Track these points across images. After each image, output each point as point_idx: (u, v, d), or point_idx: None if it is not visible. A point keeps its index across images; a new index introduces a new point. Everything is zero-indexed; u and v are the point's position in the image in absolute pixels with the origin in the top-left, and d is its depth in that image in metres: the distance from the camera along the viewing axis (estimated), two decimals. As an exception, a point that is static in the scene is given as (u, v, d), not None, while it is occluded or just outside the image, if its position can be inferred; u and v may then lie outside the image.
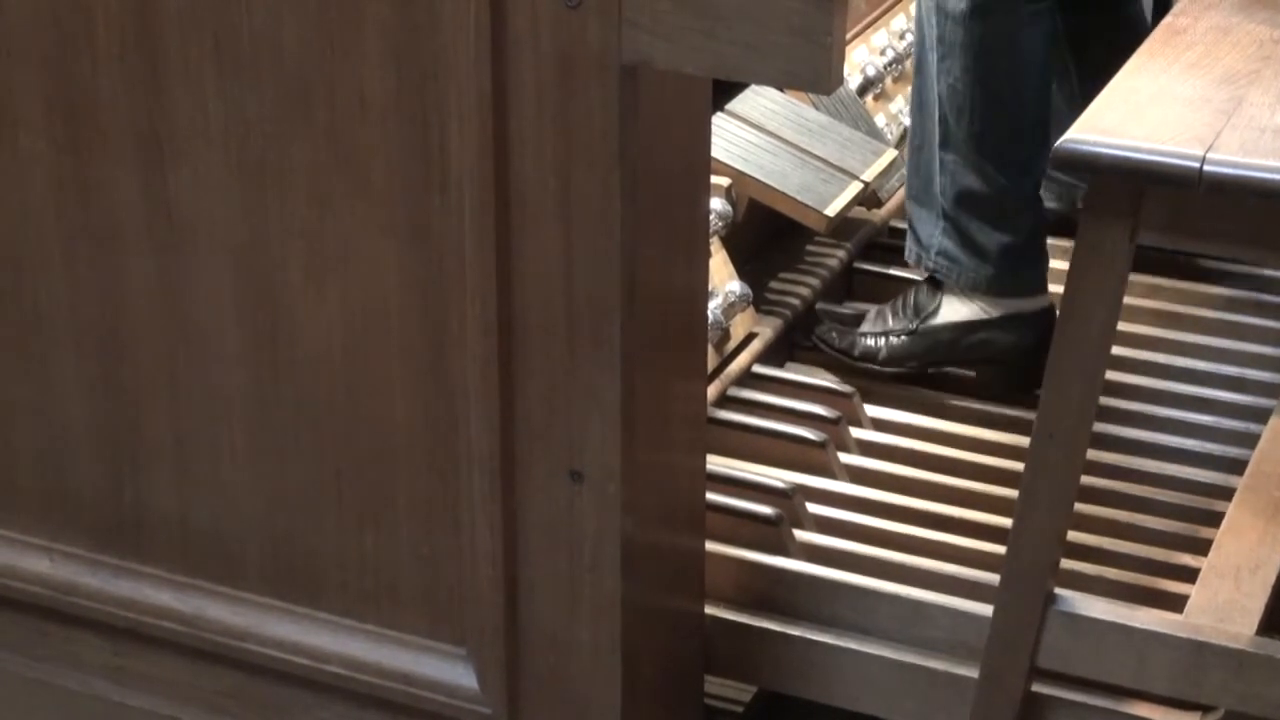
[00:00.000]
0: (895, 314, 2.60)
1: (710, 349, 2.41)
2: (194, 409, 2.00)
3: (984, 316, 2.52)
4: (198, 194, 1.90)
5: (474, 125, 1.73)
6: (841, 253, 2.78)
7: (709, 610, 2.14)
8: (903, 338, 2.57)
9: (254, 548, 2.04)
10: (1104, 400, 2.36)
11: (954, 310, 2.54)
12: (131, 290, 1.98)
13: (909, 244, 2.59)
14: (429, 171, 1.79)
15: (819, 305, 2.66)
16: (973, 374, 2.59)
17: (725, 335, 2.48)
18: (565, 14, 1.66)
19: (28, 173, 1.97)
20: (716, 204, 2.45)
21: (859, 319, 2.64)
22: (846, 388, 2.52)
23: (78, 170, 1.95)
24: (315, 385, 1.93)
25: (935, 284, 2.56)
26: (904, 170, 2.78)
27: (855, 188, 2.64)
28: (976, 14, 2.40)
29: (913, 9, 3.08)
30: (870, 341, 2.59)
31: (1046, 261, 2.54)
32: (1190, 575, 2.16)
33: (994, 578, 2.04)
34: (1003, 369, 2.55)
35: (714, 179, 2.35)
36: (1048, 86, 2.45)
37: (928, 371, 2.58)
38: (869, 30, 3.00)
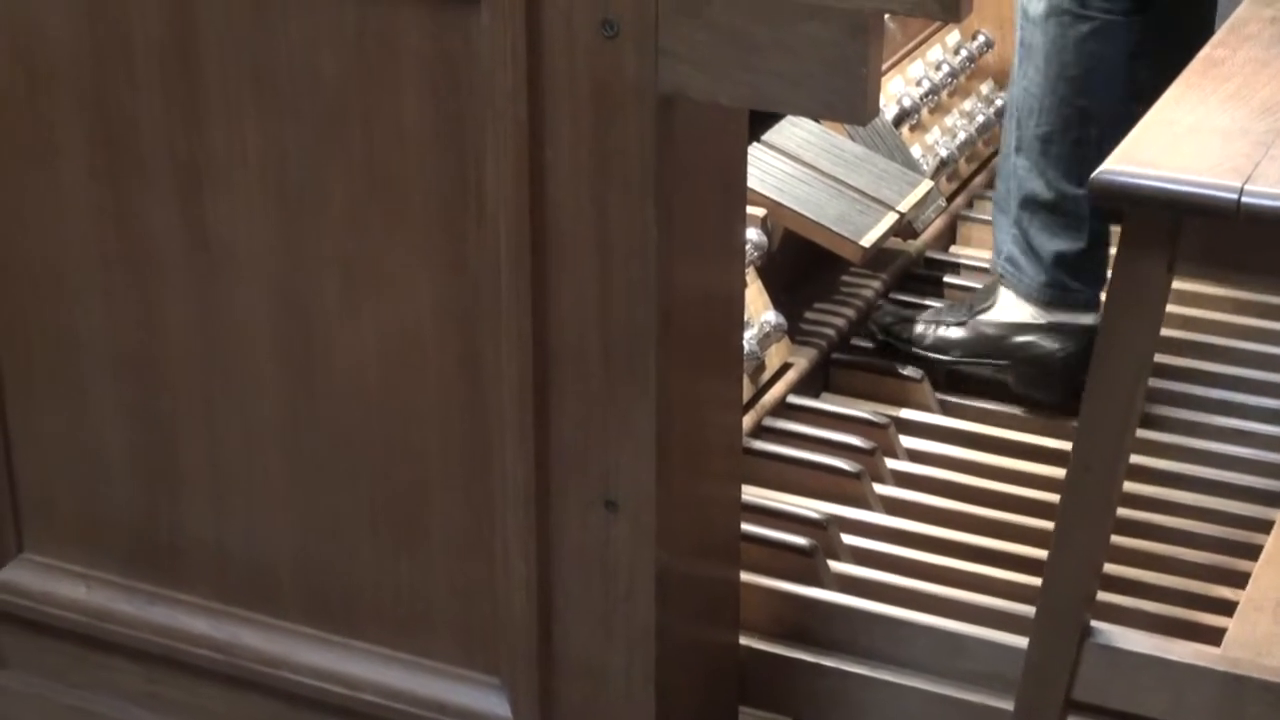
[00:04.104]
0: (952, 307, 2.64)
1: (746, 379, 2.41)
2: (230, 436, 2.01)
3: (1032, 321, 2.56)
4: (235, 222, 1.91)
5: (510, 154, 1.73)
6: (877, 284, 2.77)
7: (744, 641, 2.13)
8: (952, 328, 2.61)
9: (289, 575, 2.04)
10: (1140, 432, 2.35)
11: (1006, 310, 2.58)
12: (168, 318, 1.99)
13: (993, 249, 2.65)
14: (465, 200, 1.80)
15: (890, 297, 2.71)
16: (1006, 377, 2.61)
17: (761, 366, 2.48)
18: (602, 44, 1.67)
19: (67, 201, 1.98)
20: (752, 234, 2.45)
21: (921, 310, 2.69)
22: (882, 419, 2.52)
23: (117, 198, 1.96)
24: (350, 413, 1.93)
25: (1004, 285, 2.60)
26: (940, 202, 2.79)
27: (891, 219, 2.64)
28: (1049, 17, 2.45)
29: (949, 40, 3.09)
30: (920, 328, 2.63)
31: (1103, 280, 2.54)
32: (1228, 608, 2.15)
33: (1030, 610, 2.03)
34: (1039, 373, 2.57)
35: (749, 209, 2.35)
36: (1122, 101, 2.44)
37: (962, 369, 2.61)
38: (905, 61, 3.00)
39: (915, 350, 2.62)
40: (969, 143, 3.04)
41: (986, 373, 2.61)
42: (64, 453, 2.11)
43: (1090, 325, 2.54)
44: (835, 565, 2.26)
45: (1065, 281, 2.53)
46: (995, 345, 2.59)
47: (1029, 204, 2.52)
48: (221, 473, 2.03)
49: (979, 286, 2.83)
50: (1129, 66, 2.46)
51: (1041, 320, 2.55)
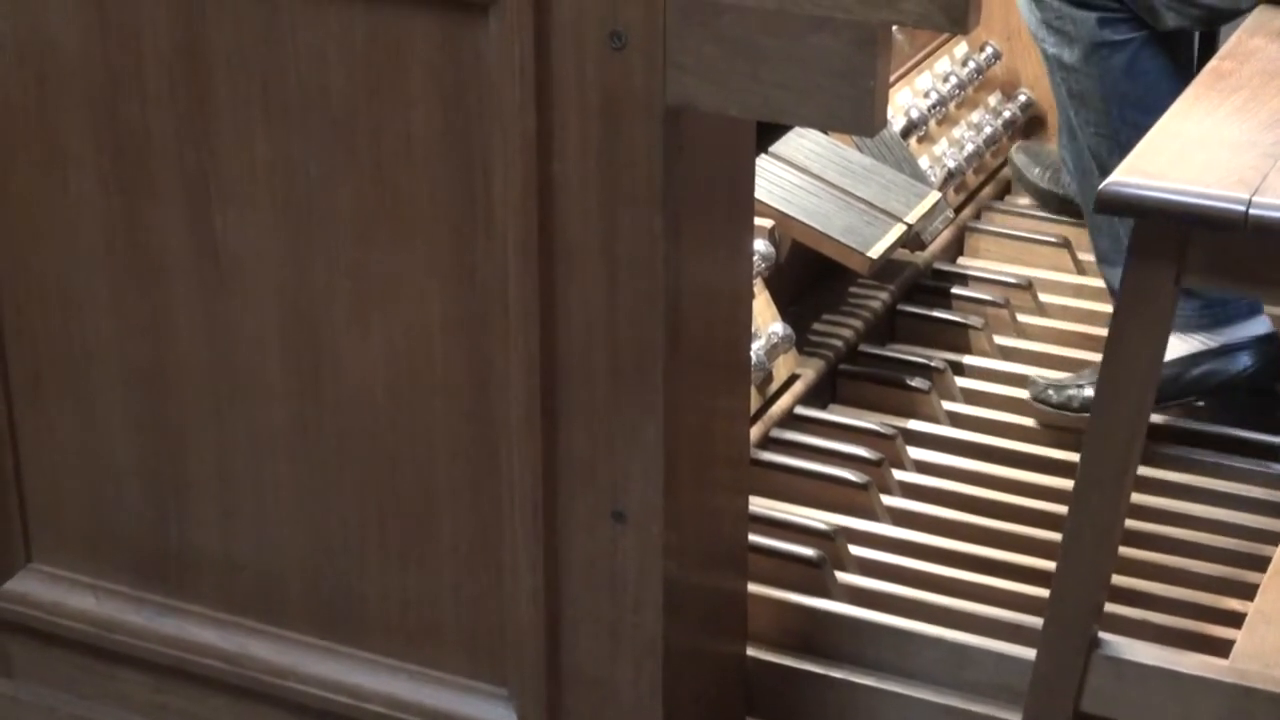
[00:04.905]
0: None
1: (753, 390, 2.41)
2: (238, 447, 2.01)
3: (1203, 348, 2.51)
4: (244, 234, 1.91)
5: (518, 166, 1.74)
6: (884, 295, 2.77)
7: (751, 652, 2.13)
8: None
9: (297, 585, 2.05)
10: (1148, 443, 2.35)
11: (1172, 348, 2.46)
12: (178, 329, 1.99)
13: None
14: (473, 212, 1.80)
15: (1032, 376, 2.64)
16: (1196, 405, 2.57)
17: (768, 377, 2.48)
18: (610, 56, 1.67)
19: (77, 213, 1.99)
20: (760, 245, 2.45)
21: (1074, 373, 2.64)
22: (889, 430, 2.52)
23: (126, 210, 1.96)
24: (358, 423, 1.94)
25: None
26: (948, 214, 2.78)
27: (898, 230, 2.64)
28: (1091, 57, 2.44)
29: (957, 51, 3.09)
30: (1090, 391, 2.56)
31: None
32: (1236, 620, 2.15)
33: (1037, 621, 2.03)
34: (1229, 398, 2.54)
35: (757, 220, 2.35)
36: None
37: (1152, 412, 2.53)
38: (913, 73, 3.00)
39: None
40: (977, 154, 3.04)
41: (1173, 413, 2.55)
42: (73, 463, 2.11)
43: (1263, 334, 2.50)
44: (842, 576, 2.26)
45: (1219, 299, 2.50)
46: (1176, 386, 2.51)
47: None
48: (230, 483, 2.03)
49: (988, 297, 2.83)
50: (1181, 72, 2.47)
51: (1213, 344, 2.50)
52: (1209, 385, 2.52)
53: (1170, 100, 2.43)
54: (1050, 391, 2.59)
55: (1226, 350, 2.51)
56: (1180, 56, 2.52)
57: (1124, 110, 2.45)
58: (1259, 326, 2.52)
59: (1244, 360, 2.51)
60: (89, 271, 2.01)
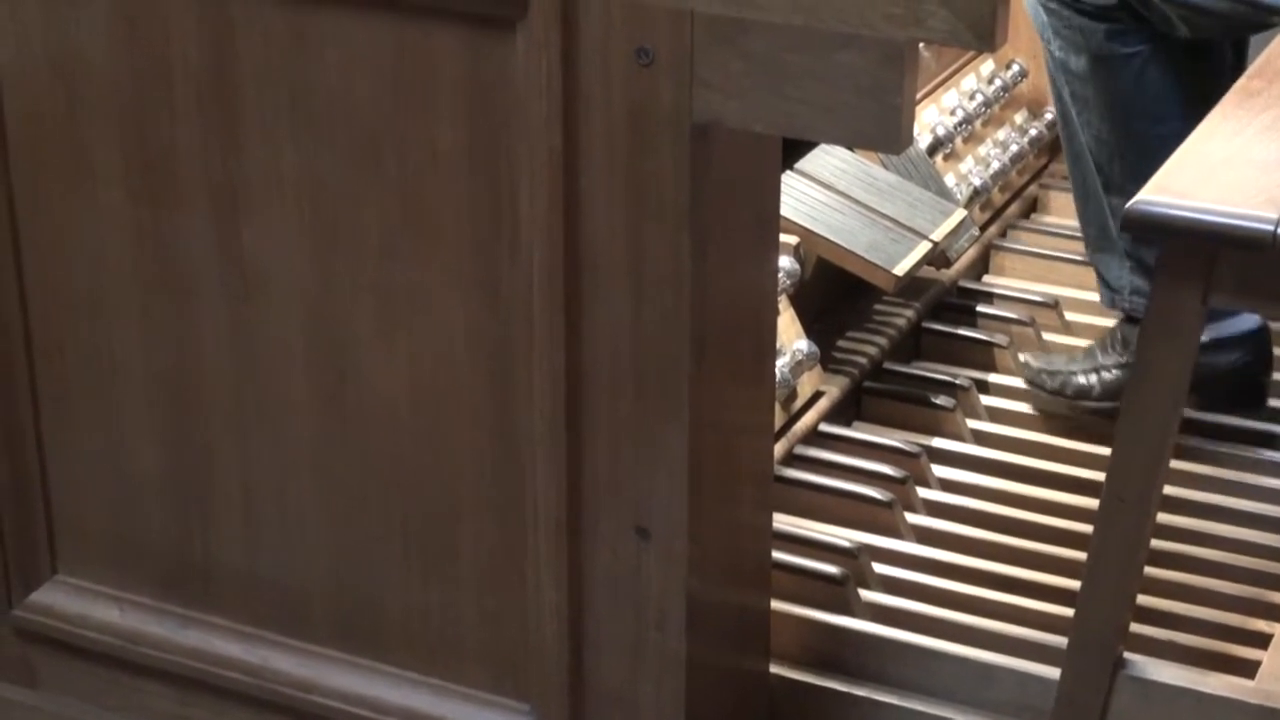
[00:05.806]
0: (1104, 350, 2.61)
1: (777, 407, 2.41)
2: (263, 460, 2.01)
3: None
4: (270, 246, 1.92)
5: (544, 181, 1.74)
6: (910, 312, 2.77)
7: (774, 670, 2.13)
8: (1115, 372, 2.57)
9: (320, 599, 2.05)
10: (1175, 463, 2.34)
11: None
12: (204, 341, 1.99)
13: (1101, 291, 2.63)
14: (499, 226, 1.80)
15: (1022, 357, 2.67)
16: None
17: (792, 394, 2.48)
18: (637, 72, 1.67)
19: (105, 225, 1.99)
20: (785, 262, 2.45)
21: (1066, 360, 2.66)
22: (914, 447, 2.51)
23: (154, 223, 1.97)
24: (383, 438, 1.94)
25: (1137, 320, 2.55)
26: (973, 231, 2.78)
27: (924, 247, 2.64)
28: (1098, 68, 2.45)
29: (983, 69, 3.09)
30: (1082, 379, 2.59)
31: None
32: (1262, 641, 2.14)
33: (1062, 641, 2.02)
34: (1220, 391, 2.54)
35: (782, 237, 2.35)
36: (1195, 106, 2.43)
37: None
38: (939, 90, 3.00)
39: (1085, 404, 2.58)
40: (1002, 172, 3.03)
41: None
42: (98, 475, 2.12)
43: (1253, 329, 2.51)
44: (866, 594, 2.25)
45: None
46: None
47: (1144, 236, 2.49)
48: (254, 496, 2.04)
49: (1013, 316, 2.83)
50: (1188, 84, 2.46)
51: (1203, 339, 2.51)
52: (1198, 379, 2.51)
53: (1178, 110, 2.42)
54: (1044, 377, 2.63)
55: (1216, 345, 2.51)
56: (1194, 68, 2.51)
57: (1129, 120, 2.45)
58: (1248, 321, 2.53)
59: (1234, 355, 2.52)
60: (116, 284, 2.01)
